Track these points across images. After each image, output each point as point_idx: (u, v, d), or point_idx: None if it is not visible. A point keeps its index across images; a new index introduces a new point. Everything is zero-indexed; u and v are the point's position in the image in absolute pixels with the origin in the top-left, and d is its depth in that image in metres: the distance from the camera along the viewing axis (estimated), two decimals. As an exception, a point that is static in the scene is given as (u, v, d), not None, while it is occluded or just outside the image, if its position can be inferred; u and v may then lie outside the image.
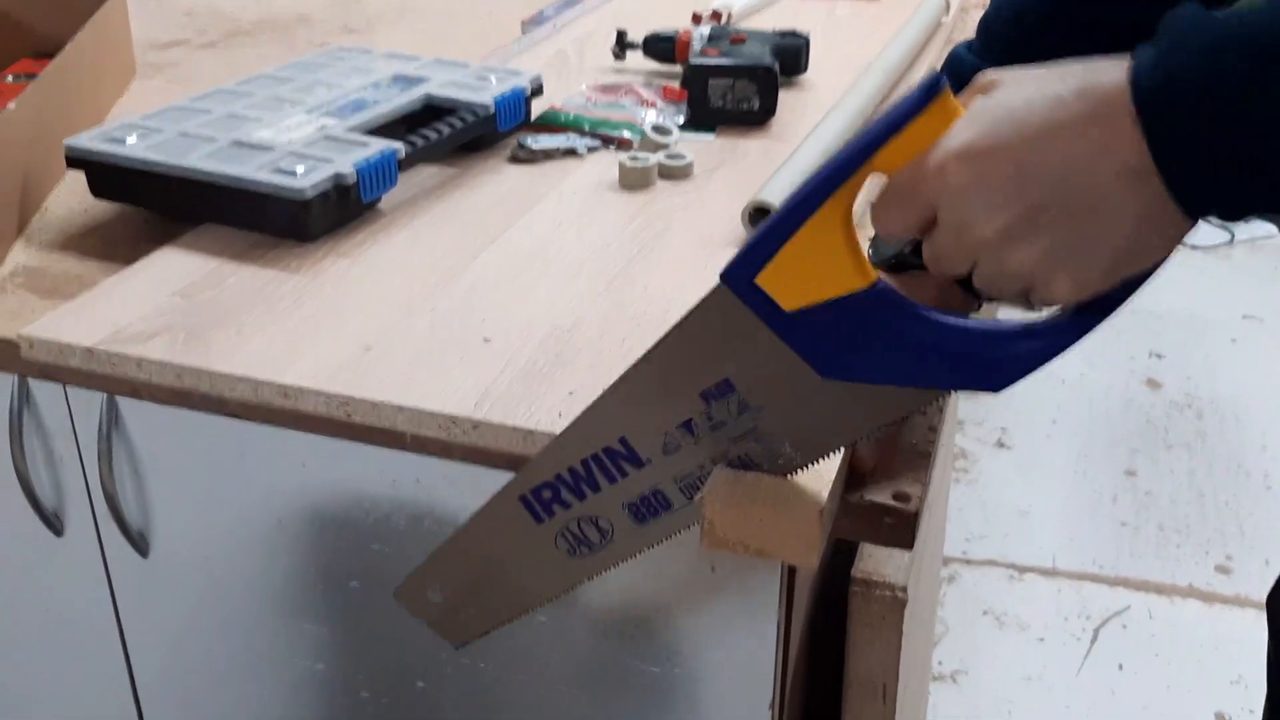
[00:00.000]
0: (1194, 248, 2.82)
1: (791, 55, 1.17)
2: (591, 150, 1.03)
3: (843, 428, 0.56)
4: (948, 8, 1.38)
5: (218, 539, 0.80)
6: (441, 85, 1.00)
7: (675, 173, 0.97)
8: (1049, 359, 0.51)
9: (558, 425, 0.64)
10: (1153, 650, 1.73)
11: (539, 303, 0.77)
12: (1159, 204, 0.45)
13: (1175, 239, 0.47)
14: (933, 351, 0.52)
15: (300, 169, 0.83)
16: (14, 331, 0.74)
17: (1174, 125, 0.44)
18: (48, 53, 1.10)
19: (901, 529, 0.62)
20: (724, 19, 1.28)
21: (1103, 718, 1.62)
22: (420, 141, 0.91)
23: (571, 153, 1.02)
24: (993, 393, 0.52)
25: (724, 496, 0.58)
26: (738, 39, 1.13)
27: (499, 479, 0.68)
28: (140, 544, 0.82)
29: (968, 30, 1.39)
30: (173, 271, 0.81)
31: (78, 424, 0.79)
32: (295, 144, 0.87)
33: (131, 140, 0.87)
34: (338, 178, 0.83)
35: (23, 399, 0.80)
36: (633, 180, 0.95)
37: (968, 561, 1.91)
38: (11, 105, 0.92)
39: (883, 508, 0.62)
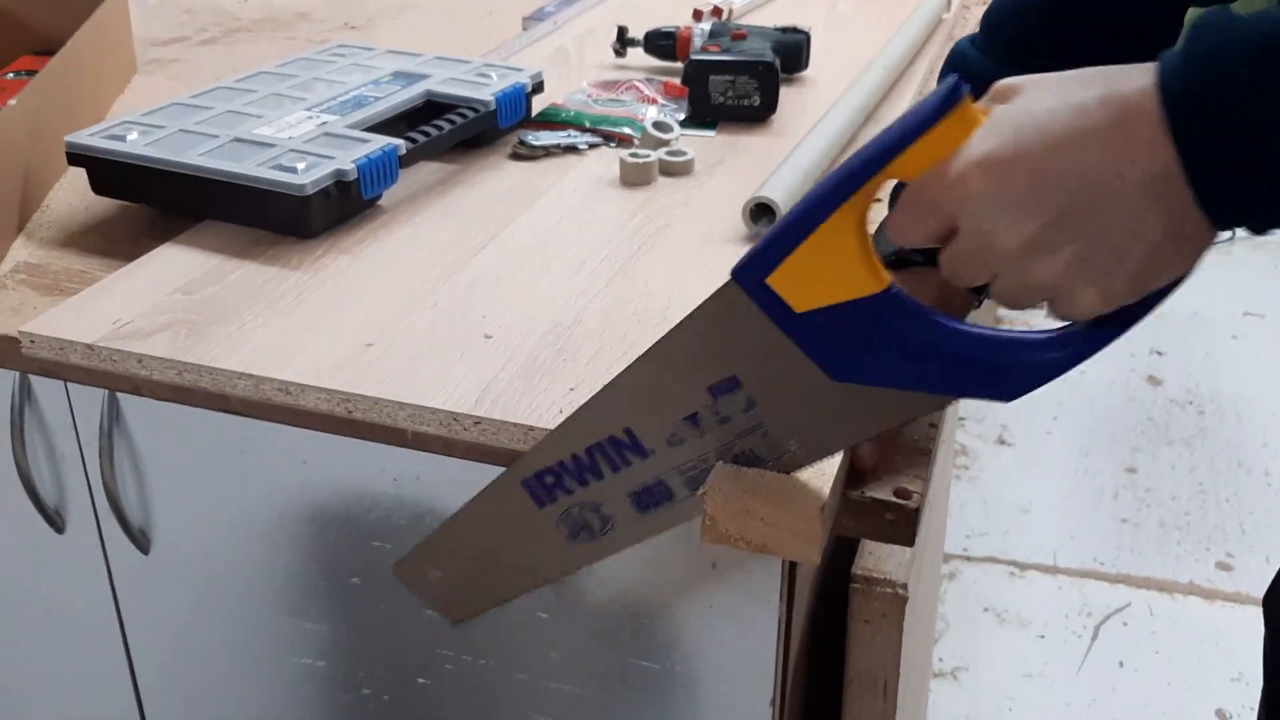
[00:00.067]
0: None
1: (793, 52, 1.17)
2: (592, 147, 1.03)
3: (849, 428, 0.56)
4: (949, 4, 1.38)
5: (219, 536, 0.80)
6: (442, 82, 1.00)
7: (676, 169, 0.97)
8: (1065, 370, 0.50)
9: (559, 421, 0.64)
10: (1153, 647, 1.73)
11: (540, 299, 0.77)
12: (1184, 214, 0.45)
13: (1199, 251, 0.47)
14: (945, 358, 0.51)
15: (301, 166, 0.83)
16: (15, 328, 0.74)
17: (1203, 131, 0.43)
18: (48, 50, 1.10)
19: (902, 526, 0.62)
20: (725, 15, 1.28)
21: (1103, 715, 1.62)
22: (421, 138, 0.91)
23: (572, 149, 1.02)
24: (1004, 401, 0.51)
25: (725, 492, 0.58)
26: (739, 35, 1.13)
27: (500, 475, 0.68)
28: (141, 541, 0.82)
29: (968, 26, 1.39)
30: (174, 268, 0.81)
31: (79, 421, 0.79)
32: (296, 141, 0.87)
33: (132, 137, 0.87)
34: (338, 174, 0.83)
35: (24, 396, 0.80)
36: (633, 177, 0.95)
37: (968, 558, 1.91)
38: (12, 102, 0.92)
39: (884, 504, 0.62)
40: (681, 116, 1.08)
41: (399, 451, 0.69)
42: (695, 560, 0.68)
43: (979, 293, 0.68)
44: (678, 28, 1.20)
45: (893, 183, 0.53)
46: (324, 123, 0.91)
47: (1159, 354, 2.46)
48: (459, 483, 0.71)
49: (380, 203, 0.90)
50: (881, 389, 0.53)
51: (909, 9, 1.31)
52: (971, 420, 2.24)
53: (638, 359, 0.58)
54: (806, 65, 1.19)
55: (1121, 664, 1.70)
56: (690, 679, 0.72)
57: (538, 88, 1.04)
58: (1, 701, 0.97)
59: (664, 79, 1.15)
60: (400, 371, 0.69)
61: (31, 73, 1.12)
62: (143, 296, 0.77)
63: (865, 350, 0.52)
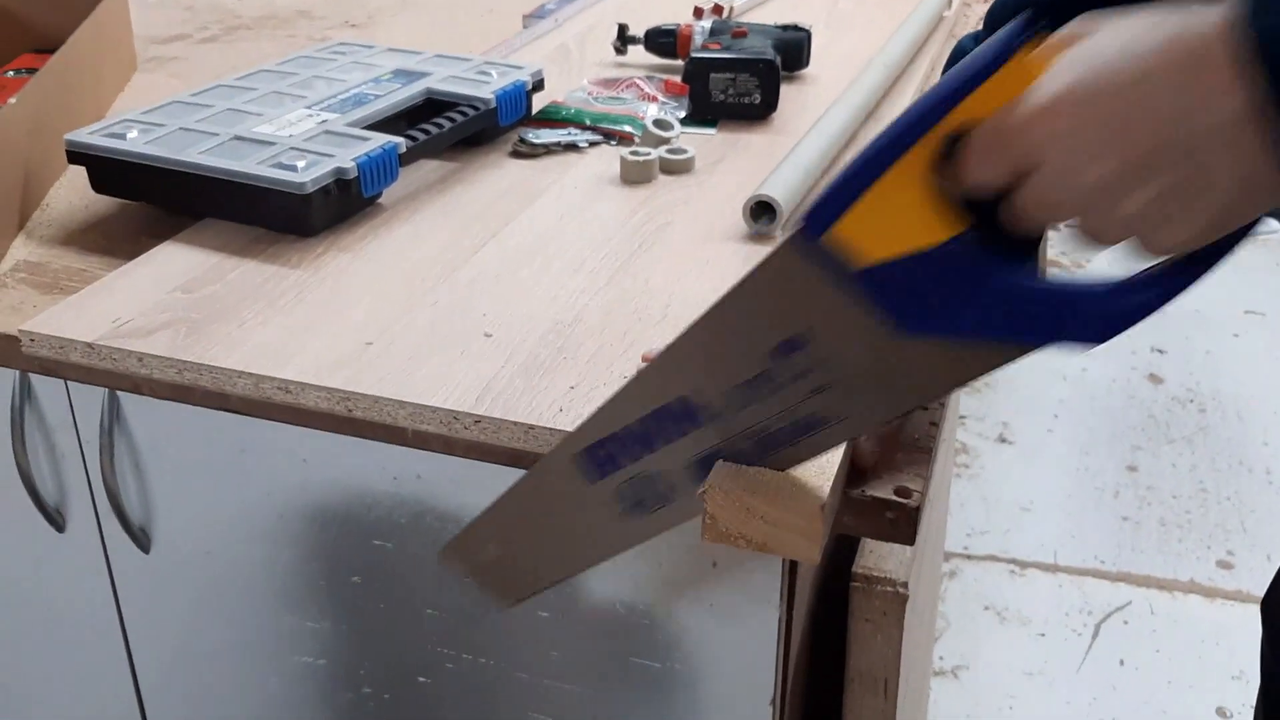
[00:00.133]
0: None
1: (793, 49, 1.17)
2: (593, 145, 1.03)
3: (922, 385, 0.53)
4: (949, 2, 1.37)
5: (219, 534, 0.80)
6: (442, 80, 1.00)
7: (676, 167, 0.97)
8: (1151, 312, 0.48)
9: (560, 420, 0.64)
10: (1154, 646, 1.73)
11: (540, 297, 0.77)
12: (1262, 155, 0.43)
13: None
14: (1023, 305, 0.49)
15: (301, 164, 0.83)
16: (15, 327, 0.74)
17: None
18: (48, 48, 1.10)
19: (903, 524, 0.62)
20: (725, 13, 1.28)
21: (1104, 713, 1.62)
22: (421, 136, 0.91)
23: (573, 147, 1.02)
24: (1086, 348, 0.49)
25: (725, 490, 0.58)
26: (739, 33, 1.13)
27: (501, 474, 0.68)
28: (142, 539, 0.82)
29: (969, 24, 1.39)
30: (174, 267, 0.81)
31: (79, 419, 0.79)
32: (296, 139, 0.87)
33: (132, 135, 0.87)
34: (338, 172, 0.83)
35: (24, 394, 0.80)
36: (634, 175, 0.95)
37: (969, 557, 1.91)
38: (12, 100, 0.92)
39: (884, 503, 0.62)
40: (682, 114, 1.08)
41: (399, 450, 0.69)
42: (696, 559, 0.68)
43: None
44: (678, 25, 1.20)
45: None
46: (324, 121, 0.91)
47: (1160, 352, 2.46)
48: (459, 481, 0.71)
49: (380, 201, 0.90)
50: (955, 343, 0.50)
51: (910, 7, 1.31)
52: (972, 419, 2.24)
53: (694, 323, 0.56)
54: (807, 63, 1.19)
55: (1122, 662, 1.70)
56: (690, 678, 0.72)
57: (538, 85, 1.04)
58: (2, 701, 0.97)
59: (665, 77, 1.15)
60: (400, 370, 0.69)
61: (32, 71, 1.12)
62: (143, 295, 0.77)
63: (937, 301, 0.49)
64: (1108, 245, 0.48)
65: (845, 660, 0.74)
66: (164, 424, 0.77)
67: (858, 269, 0.50)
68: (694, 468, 0.58)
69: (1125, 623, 1.78)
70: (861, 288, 0.50)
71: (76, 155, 0.88)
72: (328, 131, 0.89)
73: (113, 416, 0.78)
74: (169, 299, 0.77)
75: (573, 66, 1.24)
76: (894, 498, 0.62)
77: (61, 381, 0.78)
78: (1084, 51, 0.46)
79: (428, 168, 0.97)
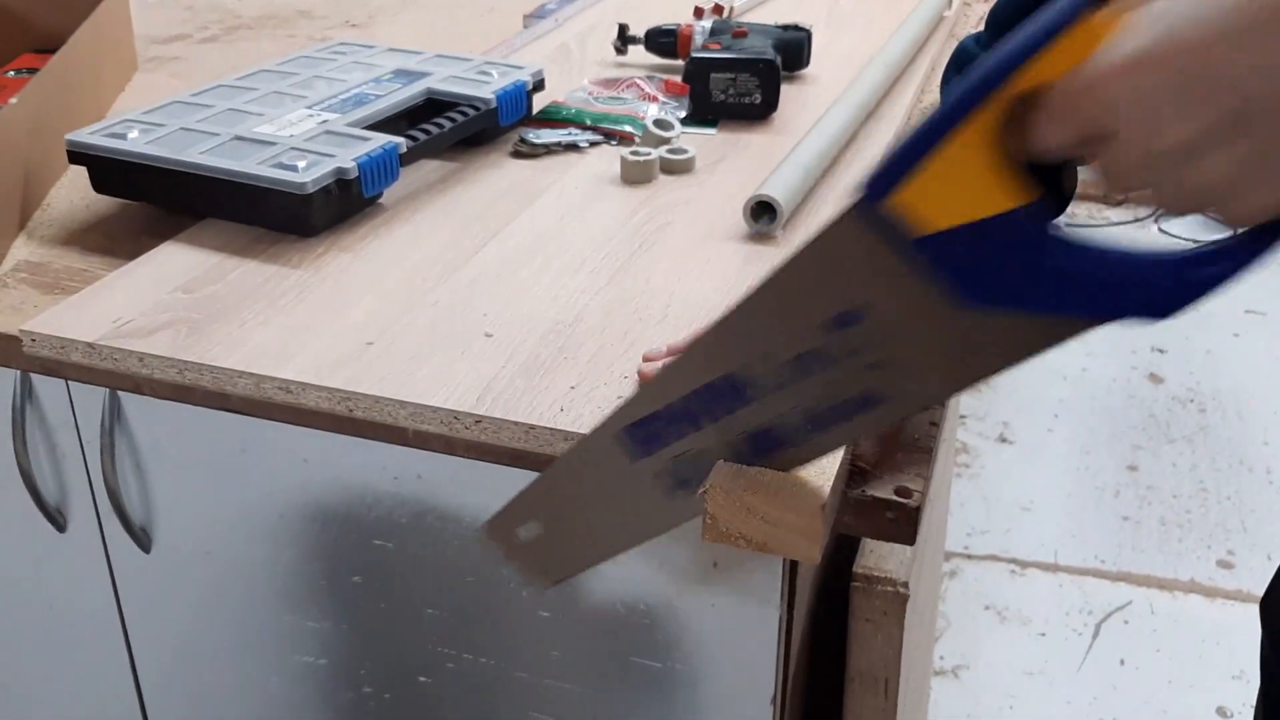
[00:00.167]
0: (1196, 242, 2.81)
1: (794, 49, 1.17)
2: (593, 145, 1.03)
3: (982, 361, 0.51)
4: (950, 2, 1.37)
5: (220, 534, 0.80)
6: (443, 79, 1.00)
7: (677, 167, 0.97)
8: (1225, 283, 0.46)
9: (561, 420, 0.64)
10: (1154, 645, 1.73)
11: (541, 297, 0.77)
12: None
13: None
14: (1090, 278, 0.47)
15: (302, 164, 0.83)
16: (16, 327, 0.74)
17: None
18: (49, 48, 1.10)
19: (903, 524, 0.62)
20: (726, 13, 1.28)
21: (1104, 713, 1.62)
22: (422, 136, 0.91)
23: (573, 147, 1.02)
24: (1156, 321, 0.47)
25: (726, 490, 0.58)
26: (740, 33, 1.13)
27: (502, 474, 0.68)
28: (143, 539, 0.82)
29: (970, 23, 1.39)
30: (174, 267, 0.81)
31: (80, 419, 0.79)
32: (297, 139, 0.87)
33: (133, 135, 0.87)
34: (339, 172, 0.83)
35: (25, 394, 0.80)
36: (634, 175, 0.95)
37: (969, 556, 1.91)
38: (13, 100, 0.92)
39: (885, 503, 0.62)
40: (683, 114, 1.08)
41: (400, 450, 0.69)
42: (696, 559, 0.68)
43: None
44: (679, 25, 1.20)
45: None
46: (325, 121, 0.91)
47: (1160, 352, 2.46)
48: (460, 481, 0.71)
49: (381, 201, 0.90)
50: (1018, 317, 0.48)
51: (910, 6, 1.31)
52: (973, 418, 2.24)
53: (746, 295, 0.53)
54: (808, 63, 1.19)
55: (1123, 662, 1.70)
56: (691, 677, 0.72)
57: (539, 85, 1.04)
58: (3, 700, 0.97)
59: (665, 77, 1.15)
60: (401, 370, 0.69)
61: (32, 71, 1.12)
62: (143, 295, 0.77)
63: (1000, 273, 0.47)
64: (1181, 214, 0.46)
65: (846, 660, 0.74)
66: (165, 424, 0.77)
67: (918, 238, 0.48)
68: (741, 446, 0.57)
69: (1126, 622, 1.78)
70: (921, 258, 0.48)
71: (77, 155, 0.88)
72: (328, 131, 0.89)
73: (114, 416, 0.78)
74: (170, 299, 0.77)
75: (573, 66, 1.24)
76: (894, 497, 0.62)
77: (62, 381, 0.78)
78: (1158, 9, 0.44)
79: (428, 168, 0.97)
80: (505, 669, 0.77)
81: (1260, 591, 0.79)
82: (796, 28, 1.18)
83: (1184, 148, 0.44)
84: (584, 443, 0.62)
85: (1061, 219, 0.48)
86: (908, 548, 0.68)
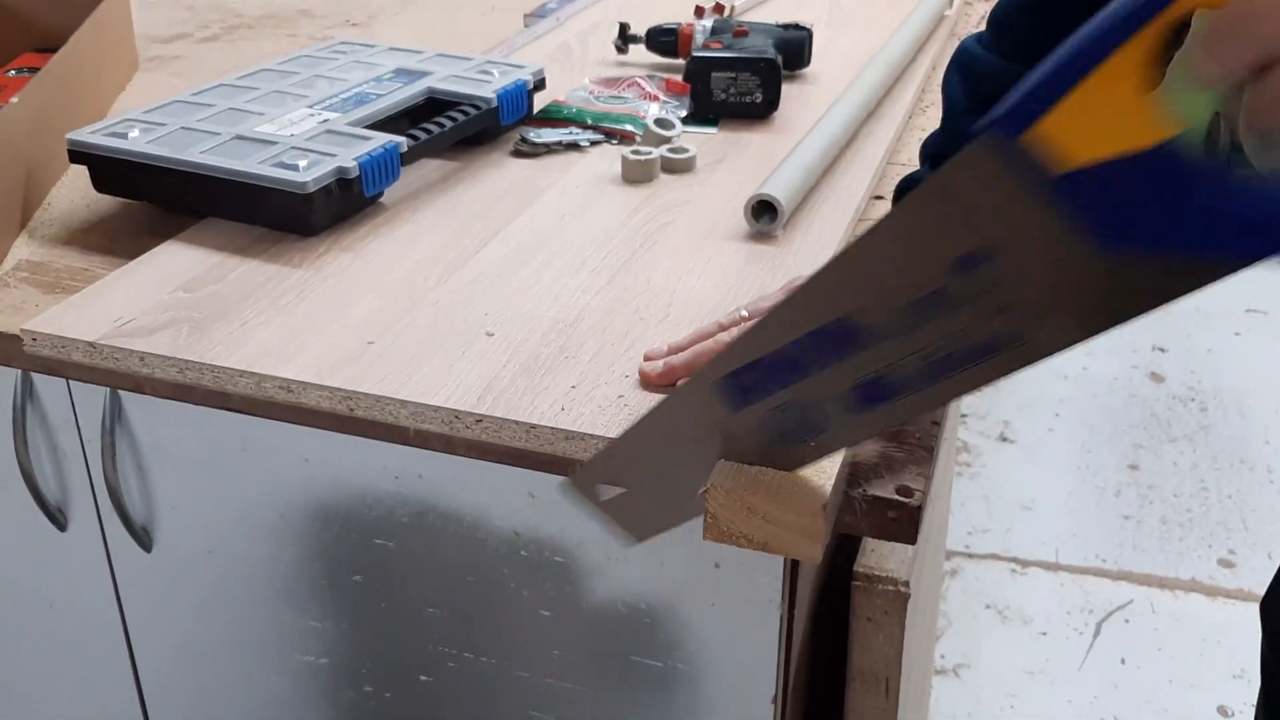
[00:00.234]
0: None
1: (794, 48, 1.17)
2: (594, 144, 1.03)
3: (1120, 305, 0.48)
4: (950, 1, 1.37)
5: (221, 534, 0.80)
6: (444, 79, 1.00)
7: (678, 166, 0.97)
8: None
9: (562, 419, 0.64)
10: (1155, 644, 1.73)
11: (542, 296, 0.77)
12: None
13: None
14: (1247, 215, 0.43)
15: (303, 163, 0.83)
16: (17, 326, 0.74)
17: None
18: (50, 47, 1.10)
19: (904, 523, 0.62)
20: (727, 12, 1.28)
21: (1105, 712, 1.62)
22: (422, 135, 0.91)
23: (574, 146, 1.02)
24: None
25: (727, 490, 0.58)
26: (740, 32, 1.13)
27: (503, 473, 0.68)
28: (144, 539, 0.82)
29: (971, 23, 1.39)
30: (175, 266, 0.81)
31: (81, 418, 0.79)
32: (298, 138, 0.87)
33: (134, 135, 0.87)
34: (340, 171, 0.83)
35: (26, 394, 0.80)
36: (635, 174, 0.95)
37: (970, 555, 1.91)
38: (14, 100, 0.92)
39: (886, 502, 0.62)
40: (683, 113, 1.08)
41: (401, 449, 0.69)
42: (697, 558, 0.68)
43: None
44: (680, 24, 1.20)
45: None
46: (326, 120, 0.91)
47: (1161, 351, 2.46)
48: (461, 480, 0.71)
49: (382, 200, 0.90)
50: (1164, 258, 0.45)
51: (911, 6, 1.31)
52: (974, 417, 2.24)
53: (865, 232, 0.51)
54: (809, 62, 1.19)
55: (1123, 661, 1.70)
56: (692, 677, 0.72)
57: (539, 85, 1.04)
58: (4, 699, 0.97)
59: (666, 76, 1.15)
60: (402, 369, 0.69)
61: (33, 70, 1.12)
62: (144, 294, 0.77)
63: (1147, 211, 0.44)
64: None
65: (847, 659, 0.74)
66: (166, 423, 0.77)
67: (1059, 173, 0.44)
68: (850, 395, 0.53)
69: (1126, 621, 1.78)
70: (1061, 194, 0.45)
71: (78, 154, 0.88)
72: (329, 131, 0.89)
73: (114, 416, 0.78)
74: (171, 298, 0.77)
75: (574, 65, 1.24)
76: (895, 497, 0.62)
77: (63, 381, 0.78)
78: None
79: (429, 167, 0.97)
80: (506, 668, 0.77)
81: (1261, 590, 0.79)
82: (797, 27, 1.18)
83: None
84: (678, 394, 0.59)
85: (1211, 152, 0.45)
86: (909, 547, 0.68)
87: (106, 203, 0.92)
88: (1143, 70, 0.43)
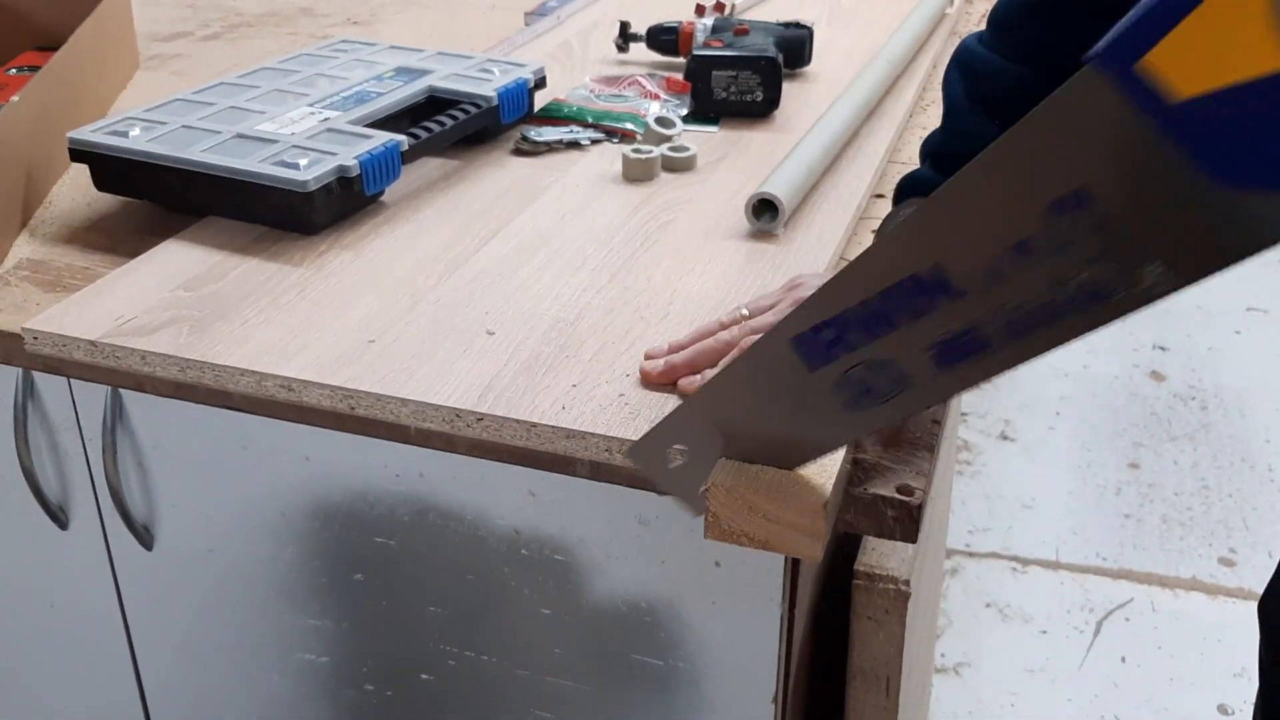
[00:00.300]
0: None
1: (795, 47, 1.17)
2: (595, 142, 1.03)
3: (1227, 246, 0.45)
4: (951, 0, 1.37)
5: (222, 532, 0.80)
6: (444, 77, 1.00)
7: (679, 165, 0.97)
8: None
9: (563, 418, 0.64)
10: (1156, 643, 1.73)
11: (542, 295, 0.77)
12: None
13: None
14: None
15: (303, 162, 0.83)
16: (18, 325, 0.74)
17: None
18: (51, 46, 1.10)
19: (905, 522, 0.62)
20: (727, 10, 1.28)
21: (1105, 710, 1.62)
22: (423, 134, 0.91)
23: (575, 145, 1.02)
24: None
25: (728, 488, 0.58)
26: (741, 30, 1.13)
27: (504, 472, 0.68)
28: (145, 537, 0.82)
29: (972, 21, 1.39)
30: (176, 265, 0.81)
31: (82, 417, 0.80)
32: (298, 137, 0.87)
33: (135, 133, 0.87)
34: (341, 170, 0.83)
35: (27, 392, 0.80)
36: (636, 172, 0.95)
37: (971, 554, 1.91)
38: (15, 98, 0.92)
39: (886, 501, 0.62)
40: (684, 112, 1.08)
41: (401, 448, 0.69)
42: (698, 557, 0.68)
43: None
44: (680, 23, 1.20)
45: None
46: (326, 118, 0.91)
47: (1162, 349, 2.46)
48: (462, 479, 0.71)
49: (383, 199, 0.90)
50: (1276, 192, 0.43)
51: (911, 4, 1.31)
52: (974, 415, 2.24)
53: (953, 178, 0.48)
54: (809, 60, 1.19)
55: (1124, 659, 1.70)
56: (693, 675, 0.72)
57: (540, 83, 1.04)
58: (6, 697, 0.97)
59: (667, 74, 1.15)
60: (403, 368, 0.69)
61: (34, 68, 1.12)
62: (145, 293, 0.77)
63: (1268, 144, 0.42)
64: None
65: (847, 657, 0.74)
66: (167, 422, 0.77)
67: (1177, 101, 0.42)
68: (938, 350, 0.51)
69: (1127, 620, 1.78)
70: (1177, 124, 0.42)
71: (79, 153, 0.88)
72: (330, 129, 0.89)
73: (115, 414, 0.78)
74: (171, 297, 0.77)
75: (575, 64, 1.24)
76: (896, 495, 0.62)
77: (64, 379, 0.78)
78: None
79: (430, 165, 0.97)
80: (507, 667, 0.77)
81: (1261, 589, 0.79)
82: (798, 25, 1.18)
83: None
84: (751, 352, 0.56)
85: None
86: (909, 545, 0.68)
87: (107, 201, 0.92)
88: None
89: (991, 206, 0.48)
